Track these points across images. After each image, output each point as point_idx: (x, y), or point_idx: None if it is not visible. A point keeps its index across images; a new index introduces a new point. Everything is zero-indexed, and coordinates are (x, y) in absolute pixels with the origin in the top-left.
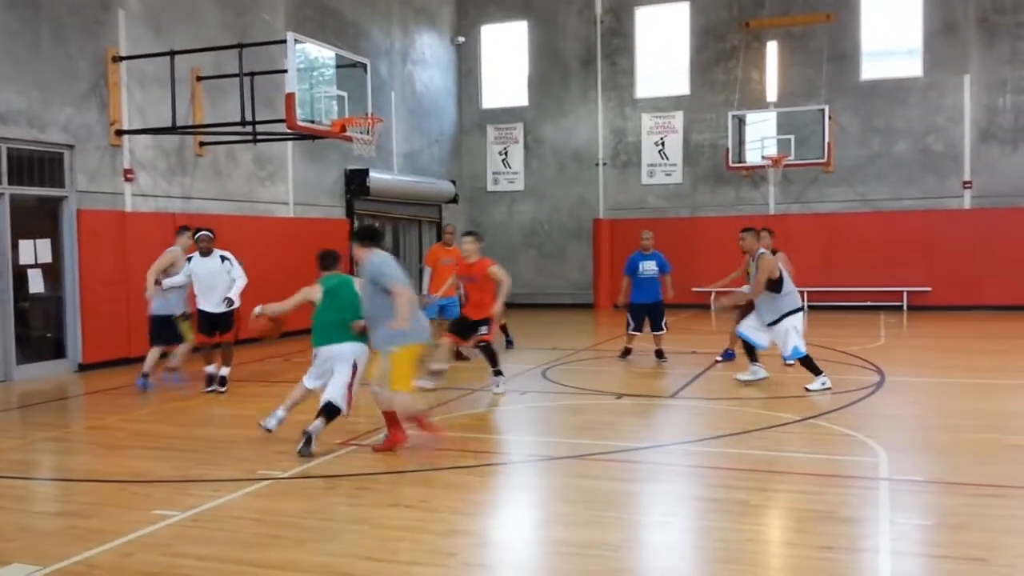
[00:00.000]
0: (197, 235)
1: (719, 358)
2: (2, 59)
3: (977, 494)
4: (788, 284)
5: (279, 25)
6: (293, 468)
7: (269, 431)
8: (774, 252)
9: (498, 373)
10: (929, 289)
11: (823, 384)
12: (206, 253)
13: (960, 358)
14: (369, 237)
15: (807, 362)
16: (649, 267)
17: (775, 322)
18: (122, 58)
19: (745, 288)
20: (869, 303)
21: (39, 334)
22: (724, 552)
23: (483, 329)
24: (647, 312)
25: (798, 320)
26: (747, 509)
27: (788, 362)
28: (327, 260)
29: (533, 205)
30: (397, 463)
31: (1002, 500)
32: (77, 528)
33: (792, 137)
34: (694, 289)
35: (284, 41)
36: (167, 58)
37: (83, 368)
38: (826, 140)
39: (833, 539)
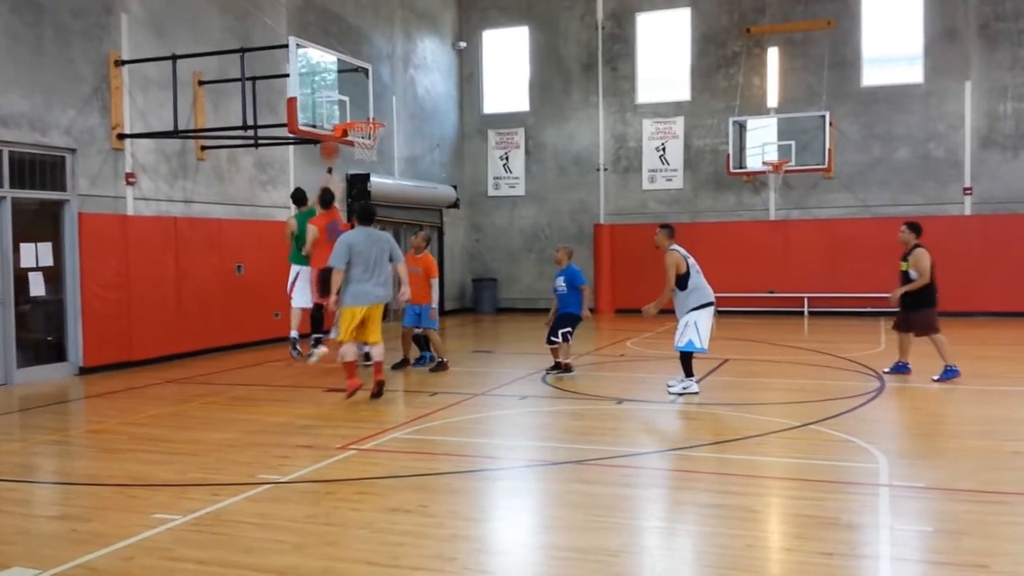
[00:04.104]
0: None
1: (886, 370)
2: (4, 62)
3: (978, 500)
4: (696, 280)
5: (281, 30)
6: (293, 472)
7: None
8: (916, 247)
9: (318, 342)
10: None
11: (685, 388)
12: None
13: (960, 364)
14: (354, 214)
15: (685, 359)
16: (559, 282)
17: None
18: (124, 62)
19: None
20: (869, 309)
21: (40, 337)
22: (724, 558)
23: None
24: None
25: (702, 316)
26: (747, 515)
27: (677, 349)
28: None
29: (534, 210)
30: (397, 468)
31: (1003, 507)
32: (77, 532)
33: (793, 143)
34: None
35: (286, 46)
36: (169, 62)
37: (84, 371)
38: (827, 146)
39: (833, 545)
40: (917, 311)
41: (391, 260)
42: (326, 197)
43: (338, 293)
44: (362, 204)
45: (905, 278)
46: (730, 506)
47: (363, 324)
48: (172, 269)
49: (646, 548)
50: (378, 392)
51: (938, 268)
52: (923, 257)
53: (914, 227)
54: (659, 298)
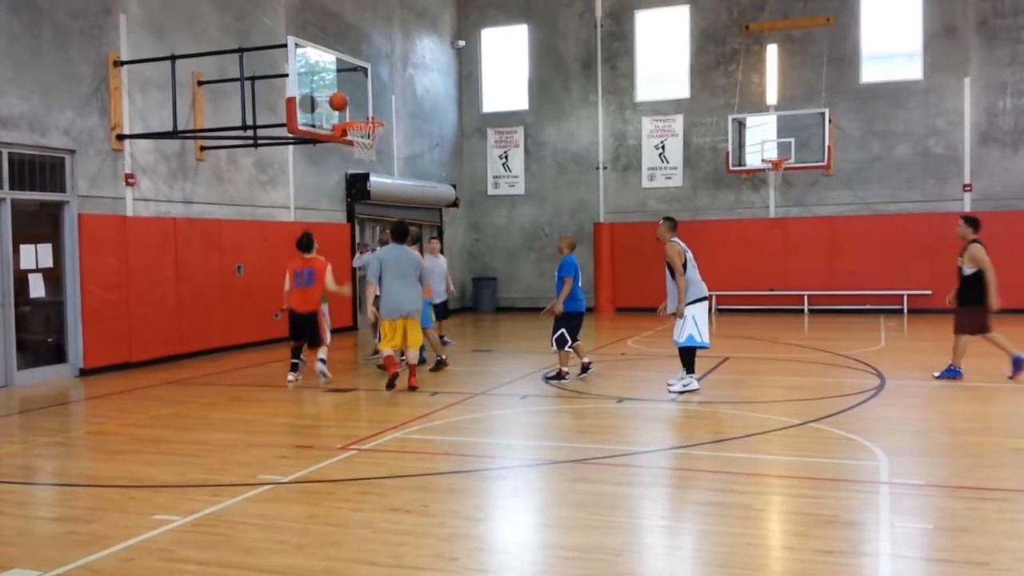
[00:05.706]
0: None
1: (936, 374)
2: (3, 63)
3: (978, 498)
4: (691, 274)
5: (280, 29)
6: (294, 472)
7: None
8: (972, 242)
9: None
10: (930, 292)
11: (685, 386)
12: None
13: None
14: (390, 232)
15: (686, 354)
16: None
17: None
18: (123, 62)
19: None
20: (869, 306)
21: (40, 339)
22: (725, 556)
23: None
24: None
25: (698, 310)
26: (748, 513)
27: (678, 345)
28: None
29: (534, 208)
30: (398, 467)
31: (1003, 504)
32: (77, 533)
33: (792, 140)
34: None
35: (285, 45)
36: (168, 62)
37: (84, 373)
38: (826, 143)
39: (834, 543)
40: (964, 306)
41: (420, 280)
42: (301, 242)
43: (375, 304)
44: (396, 223)
45: (960, 275)
46: (731, 504)
47: (404, 332)
48: (172, 270)
49: (647, 546)
50: (391, 384)
51: (938, 264)
52: (979, 250)
53: (971, 221)
54: (677, 292)
